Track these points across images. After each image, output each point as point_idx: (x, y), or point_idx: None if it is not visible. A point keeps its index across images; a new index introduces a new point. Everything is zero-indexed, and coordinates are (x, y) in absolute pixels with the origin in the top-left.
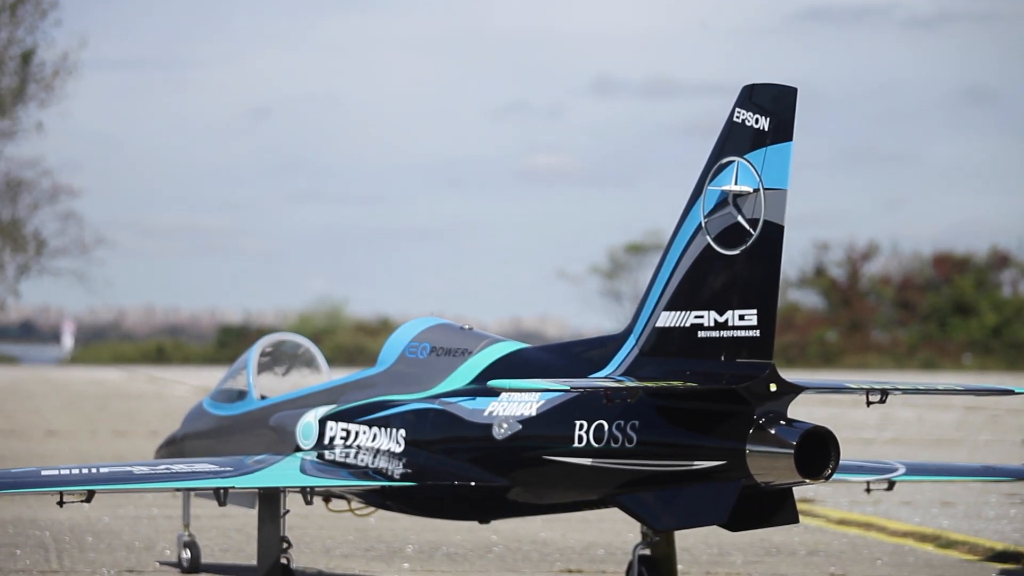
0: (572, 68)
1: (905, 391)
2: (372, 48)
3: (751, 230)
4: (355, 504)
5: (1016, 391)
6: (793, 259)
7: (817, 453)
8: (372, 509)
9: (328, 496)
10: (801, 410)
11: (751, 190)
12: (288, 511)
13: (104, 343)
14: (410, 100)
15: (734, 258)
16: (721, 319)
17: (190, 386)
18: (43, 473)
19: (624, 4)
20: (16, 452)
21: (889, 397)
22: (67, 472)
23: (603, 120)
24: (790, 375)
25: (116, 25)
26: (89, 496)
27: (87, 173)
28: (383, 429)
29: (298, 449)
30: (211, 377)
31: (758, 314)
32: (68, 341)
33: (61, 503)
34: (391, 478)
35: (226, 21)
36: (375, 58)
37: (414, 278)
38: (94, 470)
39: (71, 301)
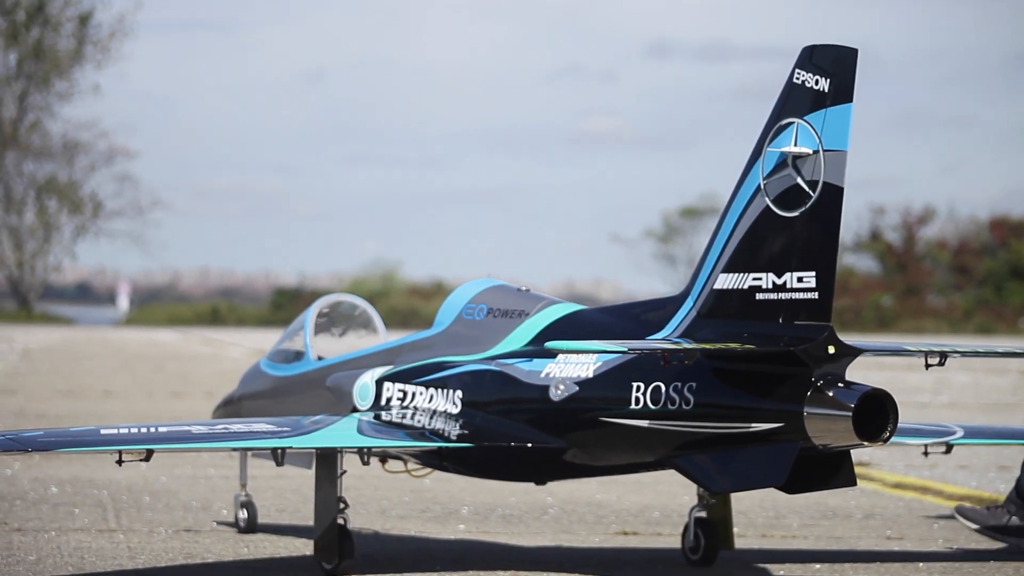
0: (627, 31)
1: (964, 354)
2: (426, 11)
3: (810, 192)
4: (411, 465)
5: None
6: (849, 223)
7: (875, 416)
8: (428, 470)
9: (384, 457)
10: (856, 374)
11: (811, 152)
12: (345, 472)
13: (159, 305)
14: (464, 63)
15: (793, 220)
16: (779, 281)
17: (245, 348)
18: (102, 432)
19: None
20: (74, 412)
21: (947, 360)
22: (126, 431)
23: (658, 84)
24: (846, 339)
25: None
26: (148, 455)
27: (143, 135)
28: (440, 390)
29: (355, 410)
30: (266, 339)
31: (816, 276)
32: (124, 303)
33: (120, 462)
34: (448, 439)
35: None
36: (429, 21)
37: (467, 241)
38: (153, 429)
39: (127, 263)
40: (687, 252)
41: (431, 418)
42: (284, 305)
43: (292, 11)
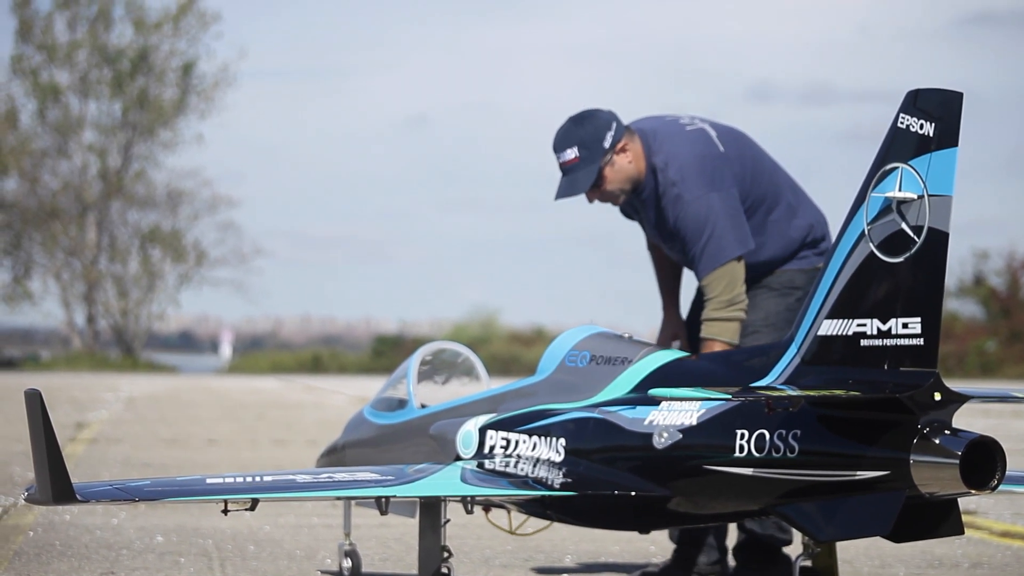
0: (729, 74)
1: None
2: (529, 55)
3: (915, 237)
4: (515, 521)
5: None
6: (952, 268)
7: (983, 463)
8: (532, 530)
9: (488, 506)
10: (962, 420)
11: (915, 196)
12: (449, 520)
13: (261, 352)
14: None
15: (898, 265)
16: (884, 327)
17: (347, 395)
18: (208, 481)
19: (782, 9)
20: (178, 461)
21: None
22: (232, 480)
23: (760, 127)
24: (950, 385)
25: (274, 36)
26: (253, 504)
27: (245, 183)
28: (543, 438)
29: (458, 458)
30: (367, 386)
31: (922, 322)
32: (226, 350)
33: (226, 511)
34: (551, 487)
35: (383, 30)
36: (532, 65)
37: (568, 287)
38: (258, 478)
39: (229, 310)
40: None
41: (534, 466)
42: (385, 352)
43: (393, 57)
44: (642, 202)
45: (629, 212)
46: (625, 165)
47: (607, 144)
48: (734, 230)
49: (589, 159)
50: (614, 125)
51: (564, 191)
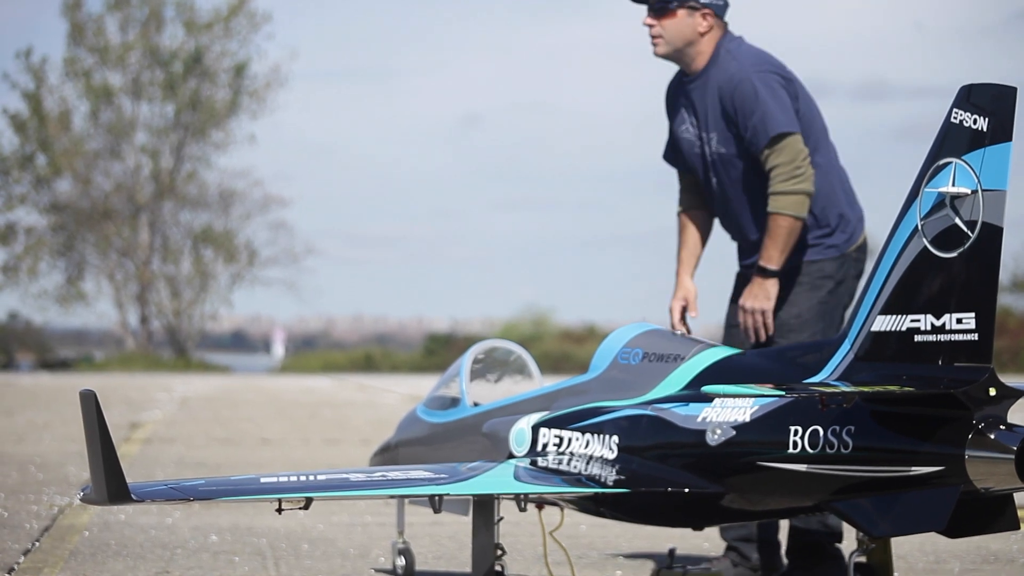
0: None
1: None
2: (581, 55)
3: (969, 232)
4: (557, 518)
5: None
6: (1006, 263)
7: None
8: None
9: (541, 503)
10: (1017, 416)
11: (969, 191)
12: (502, 518)
13: (314, 352)
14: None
15: (951, 261)
16: (938, 323)
17: (399, 394)
18: (262, 480)
19: (837, 6)
20: (232, 460)
21: None
22: (285, 479)
23: None
24: (1005, 380)
25: (325, 36)
26: (307, 503)
27: (297, 183)
28: (596, 435)
29: (511, 456)
30: (419, 385)
31: (976, 317)
32: (279, 350)
33: (280, 510)
34: (604, 484)
35: (435, 30)
36: (584, 65)
37: (621, 285)
38: (311, 477)
39: (281, 310)
40: None
41: (587, 464)
42: (437, 351)
43: (446, 57)
44: (687, 92)
45: (671, 153)
46: (692, 27)
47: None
48: (783, 112)
49: None
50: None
51: None
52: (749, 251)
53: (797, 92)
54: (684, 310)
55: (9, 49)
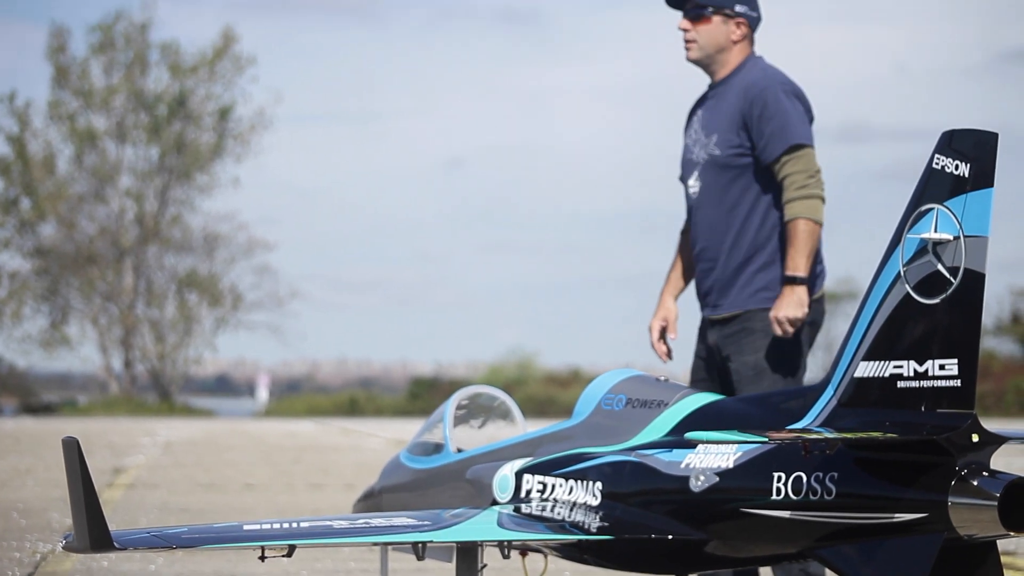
0: None
1: None
2: (564, 98)
3: (951, 278)
4: (544, 564)
5: None
6: (989, 306)
7: (1022, 504)
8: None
9: (525, 550)
10: (999, 461)
11: (951, 238)
12: (486, 565)
13: (298, 396)
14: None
15: (934, 307)
16: (921, 369)
17: (383, 438)
18: (245, 528)
19: (819, 48)
20: (215, 505)
21: None
22: (268, 527)
23: None
24: (987, 424)
25: (310, 79)
26: (290, 551)
27: (281, 226)
28: (579, 482)
29: (495, 502)
30: (403, 429)
31: (959, 364)
32: (263, 394)
33: (263, 558)
34: (588, 531)
35: (419, 74)
36: (568, 108)
37: (605, 328)
38: (295, 524)
39: (265, 354)
40: (824, 337)
41: (571, 510)
42: (421, 395)
43: (430, 101)
44: (704, 101)
45: (684, 172)
46: (726, 35)
47: (740, 8)
48: (803, 125)
49: None
50: (750, 6)
51: None
52: (706, 272)
53: (812, 119)
54: (664, 330)
55: None
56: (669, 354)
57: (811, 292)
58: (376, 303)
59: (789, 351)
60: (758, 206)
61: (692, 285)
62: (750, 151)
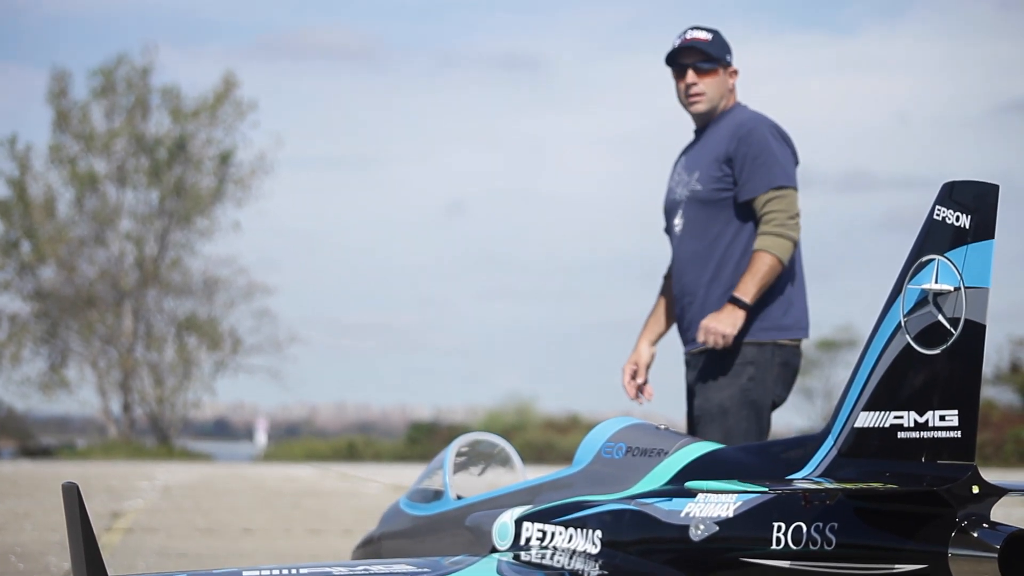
0: None
1: None
2: (566, 144)
3: (952, 329)
4: None
5: None
6: (989, 355)
7: (1022, 557)
8: None
9: None
10: (999, 512)
11: (952, 289)
12: None
13: (297, 440)
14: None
15: (935, 358)
16: (921, 420)
17: (382, 484)
18: (244, 574)
19: (821, 97)
20: (214, 550)
21: None
22: (267, 572)
23: None
24: (986, 473)
25: (311, 123)
26: None
27: (281, 270)
28: (579, 530)
29: (494, 550)
30: (402, 474)
31: (959, 415)
32: (261, 438)
33: None
34: None
35: (419, 119)
36: (569, 154)
37: (604, 374)
38: (294, 570)
39: (264, 398)
40: (824, 385)
41: (571, 558)
42: (420, 439)
43: (431, 146)
44: (691, 146)
45: (668, 214)
46: (726, 85)
47: (730, 58)
48: (789, 167)
49: (719, 49)
50: (732, 56)
51: (690, 42)
52: (686, 307)
53: (797, 163)
54: (635, 374)
55: None
56: (640, 391)
57: (786, 333)
58: (375, 347)
59: (755, 391)
60: (738, 241)
61: (675, 327)
62: (732, 186)
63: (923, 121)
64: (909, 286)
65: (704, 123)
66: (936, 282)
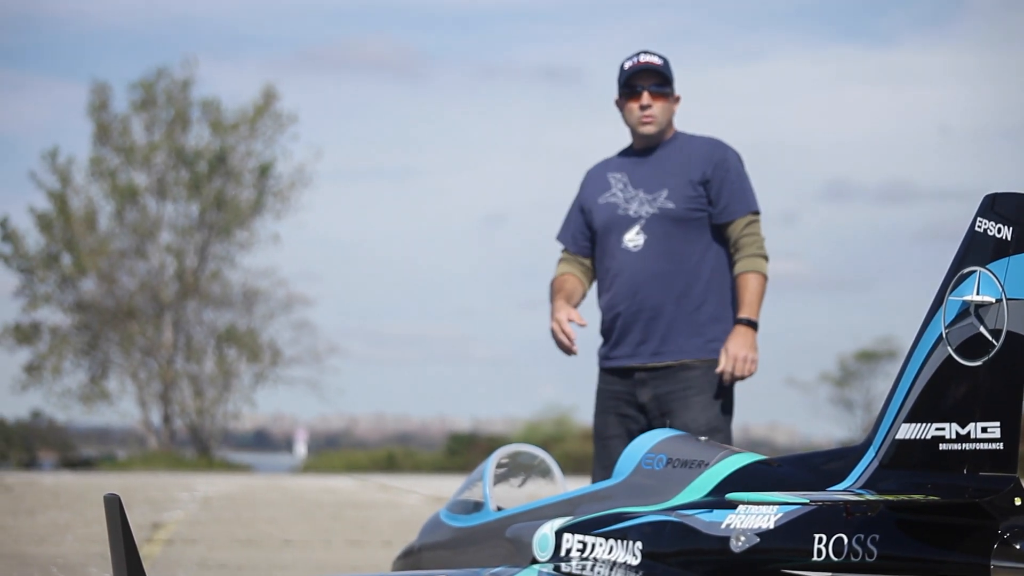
0: (805, 174)
1: None
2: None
3: (994, 341)
4: None
5: None
6: None
7: None
8: None
9: None
10: None
11: (994, 300)
12: None
13: (336, 451)
14: None
15: (976, 369)
16: (963, 432)
17: (421, 495)
18: None
19: (859, 108)
20: (254, 562)
21: None
22: None
23: (836, 225)
24: None
25: (350, 135)
26: None
27: (321, 282)
28: (620, 541)
29: (534, 561)
30: (442, 486)
31: (1001, 427)
32: (301, 449)
33: None
34: None
35: (458, 130)
36: None
37: None
38: None
39: (304, 409)
40: (864, 396)
41: (611, 570)
42: (459, 451)
43: (470, 157)
44: (629, 164)
45: (567, 233)
46: (672, 110)
47: (674, 86)
48: (754, 194)
49: (671, 74)
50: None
51: (646, 64)
52: (647, 322)
53: None
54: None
55: (35, 149)
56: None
57: None
58: (414, 358)
59: (726, 408)
60: (706, 260)
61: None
62: (704, 207)
63: (964, 132)
64: (950, 298)
65: (648, 144)
66: (978, 294)
